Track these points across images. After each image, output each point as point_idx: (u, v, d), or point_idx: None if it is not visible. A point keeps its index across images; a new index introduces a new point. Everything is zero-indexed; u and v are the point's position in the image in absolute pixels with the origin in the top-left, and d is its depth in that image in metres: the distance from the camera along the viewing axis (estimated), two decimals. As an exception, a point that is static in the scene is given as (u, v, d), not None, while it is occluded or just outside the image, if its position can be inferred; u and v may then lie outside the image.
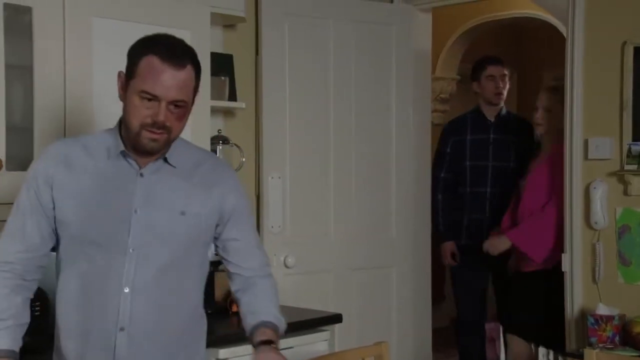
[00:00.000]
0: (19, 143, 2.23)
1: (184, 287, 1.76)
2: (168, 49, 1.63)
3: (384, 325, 3.53)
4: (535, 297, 3.24)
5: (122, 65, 1.69)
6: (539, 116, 3.33)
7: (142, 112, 1.62)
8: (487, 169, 3.67)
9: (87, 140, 1.76)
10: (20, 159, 2.22)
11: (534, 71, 6.22)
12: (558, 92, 3.28)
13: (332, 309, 3.17)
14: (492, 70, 3.71)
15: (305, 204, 3.33)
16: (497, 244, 3.38)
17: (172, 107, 1.63)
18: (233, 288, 1.86)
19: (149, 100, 1.62)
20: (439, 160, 3.79)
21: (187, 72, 1.64)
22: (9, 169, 2.18)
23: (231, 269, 1.85)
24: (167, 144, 1.70)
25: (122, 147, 1.70)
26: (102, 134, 1.76)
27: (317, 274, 3.34)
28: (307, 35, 3.34)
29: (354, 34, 3.45)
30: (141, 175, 1.71)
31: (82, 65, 2.33)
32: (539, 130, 3.36)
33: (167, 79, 1.61)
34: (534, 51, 6.23)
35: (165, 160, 1.73)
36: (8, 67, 2.19)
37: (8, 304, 1.68)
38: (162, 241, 1.70)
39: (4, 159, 2.18)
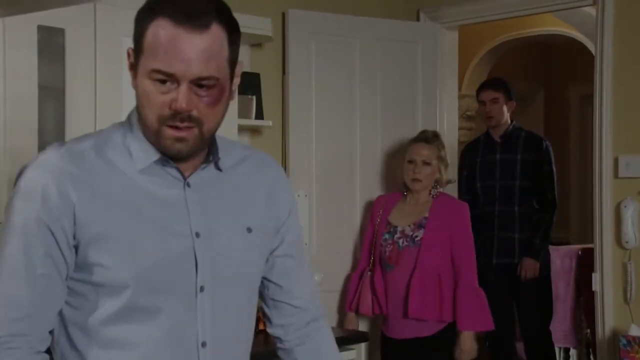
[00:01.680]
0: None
1: (252, 327, 1.37)
2: (183, 5, 1.16)
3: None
4: None
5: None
6: (418, 172, 3.00)
7: (157, 100, 1.17)
8: (494, 189, 3.70)
9: (99, 144, 1.24)
10: (52, 178, 2.25)
11: (560, 87, 6.18)
12: (429, 142, 3.05)
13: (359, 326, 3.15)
14: (481, 95, 3.82)
15: (331, 222, 3.33)
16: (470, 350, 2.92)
17: (196, 88, 1.17)
18: (275, 321, 1.42)
19: (163, 82, 1.16)
20: (459, 183, 3.88)
21: (213, 35, 1.17)
22: (40, 187, 2.22)
23: (276, 296, 1.39)
24: (201, 142, 1.21)
25: (156, 154, 1.23)
26: (116, 134, 1.26)
27: (344, 292, 3.32)
28: (334, 54, 3.35)
29: (380, 52, 3.47)
30: (188, 185, 1.25)
31: (113, 86, 2.36)
32: (417, 187, 3.02)
33: (185, 49, 1.14)
34: (560, 67, 6.20)
35: (216, 165, 1.29)
36: (41, 87, 2.23)
37: None
38: (236, 271, 1.28)
39: (36, 178, 2.21)
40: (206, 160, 1.27)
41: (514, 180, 3.66)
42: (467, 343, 2.91)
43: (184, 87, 1.16)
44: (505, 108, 3.76)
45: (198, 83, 1.17)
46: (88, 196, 1.19)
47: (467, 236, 2.98)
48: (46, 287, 1.19)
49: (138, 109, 1.22)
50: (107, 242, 1.19)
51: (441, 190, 3.07)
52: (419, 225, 2.97)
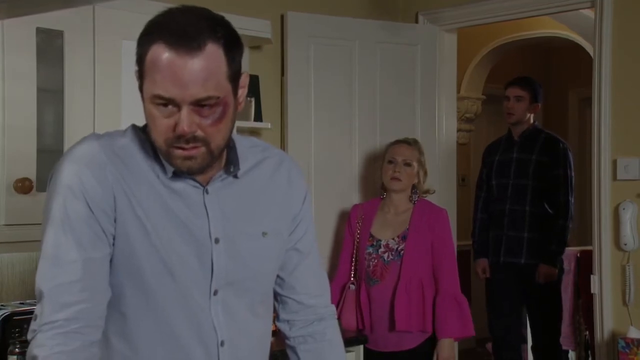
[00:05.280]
0: (49, 165, 2.24)
1: (268, 330, 1.41)
2: (177, 28, 1.16)
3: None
4: None
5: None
6: (398, 171, 2.93)
7: (162, 124, 1.19)
8: (507, 187, 3.71)
9: (120, 149, 1.27)
10: (51, 181, 2.25)
11: (559, 90, 6.19)
12: (411, 144, 3.02)
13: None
14: (507, 91, 3.82)
15: (330, 224, 3.33)
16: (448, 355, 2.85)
17: (198, 108, 1.18)
18: (282, 315, 1.45)
19: (165, 106, 1.18)
20: (479, 181, 3.93)
21: (209, 54, 1.16)
22: (39, 189, 2.22)
23: (281, 290, 1.42)
24: (211, 157, 1.23)
25: (171, 169, 1.26)
26: (136, 141, 1.28)
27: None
28: (332, 56, 3.36)
29: (379, 54, 3.47)
30: (206, 192, 1.29)
31: (112, 88, 2.36)
32: (395, 187, 2.95)
33: (180, 73, 1.15)
34: (559, 70, 6.21)
35: (234, 173, 1.31)
36: (40, 90, 2.23)
37: None
38: (250, 275, 1.32)
39: (35, 181, 2.21)
40: (226, 170, 1.30)
41: (527, 180, 3.67)
42: (445, 350, 2.84)
43: (184, 110, 1.17)
44: (528, 108, 3.75)
45: (199, 104, 1.18)
46: (123, 192, 1.23)
47: (447, 243, 2.93)
48: (98, 271, 1.22)
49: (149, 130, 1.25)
50: (129, 245, 1.24)
51: (419, 197, 3.00)
52: (404, 237, 2.91)
